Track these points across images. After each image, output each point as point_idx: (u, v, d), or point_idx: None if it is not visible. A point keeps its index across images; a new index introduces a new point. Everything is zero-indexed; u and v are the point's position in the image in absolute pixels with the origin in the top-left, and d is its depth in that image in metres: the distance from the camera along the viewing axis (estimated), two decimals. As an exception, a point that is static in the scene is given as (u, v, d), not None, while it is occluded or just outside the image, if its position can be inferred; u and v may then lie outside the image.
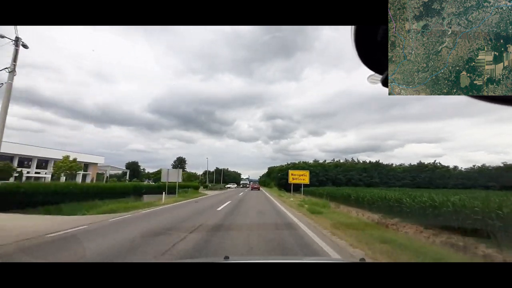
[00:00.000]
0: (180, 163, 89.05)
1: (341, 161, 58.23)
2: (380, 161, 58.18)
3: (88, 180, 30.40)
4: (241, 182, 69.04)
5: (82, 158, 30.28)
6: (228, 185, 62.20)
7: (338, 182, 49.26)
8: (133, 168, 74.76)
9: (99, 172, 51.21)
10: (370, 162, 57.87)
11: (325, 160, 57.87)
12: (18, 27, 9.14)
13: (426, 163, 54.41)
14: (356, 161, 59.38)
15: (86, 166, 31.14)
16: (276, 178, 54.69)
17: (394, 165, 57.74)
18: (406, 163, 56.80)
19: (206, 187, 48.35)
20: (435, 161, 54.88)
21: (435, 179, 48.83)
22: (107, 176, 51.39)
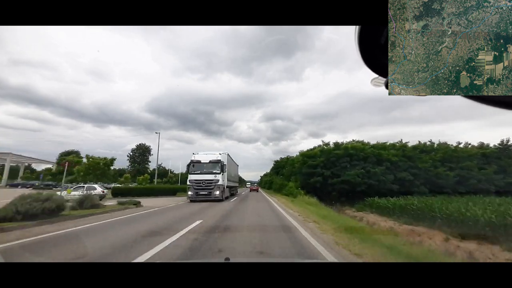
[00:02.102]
0: (143, 152, 62.95)
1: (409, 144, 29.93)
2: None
3: None
4: (190, 179, 16.28)
5: None
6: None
7: (439, 184, 25.03)
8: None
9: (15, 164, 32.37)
10: (492, 145, 30.02)
11: (386, 142, 30.24)
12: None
13: None
14: (454, 144, 30.59)
15: None
16: (300, 174, 29.07)
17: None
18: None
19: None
20: None
21: None
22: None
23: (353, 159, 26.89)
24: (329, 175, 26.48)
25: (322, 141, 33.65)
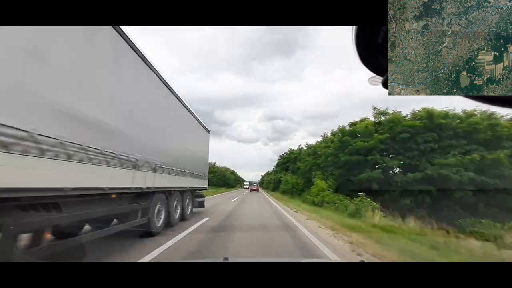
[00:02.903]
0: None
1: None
2: None
3: None
4: None
5: None
6: None
7: None
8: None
9: None
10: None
11: (487, 110, 13.97)
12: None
13: None
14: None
15: None
16: (334, 166, 17.15)
17: None
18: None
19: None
20: None
21: None
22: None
23: (444, 136, 13.85)
24: (395, 167, 14.46)
25: (373, 107, 17.78)
